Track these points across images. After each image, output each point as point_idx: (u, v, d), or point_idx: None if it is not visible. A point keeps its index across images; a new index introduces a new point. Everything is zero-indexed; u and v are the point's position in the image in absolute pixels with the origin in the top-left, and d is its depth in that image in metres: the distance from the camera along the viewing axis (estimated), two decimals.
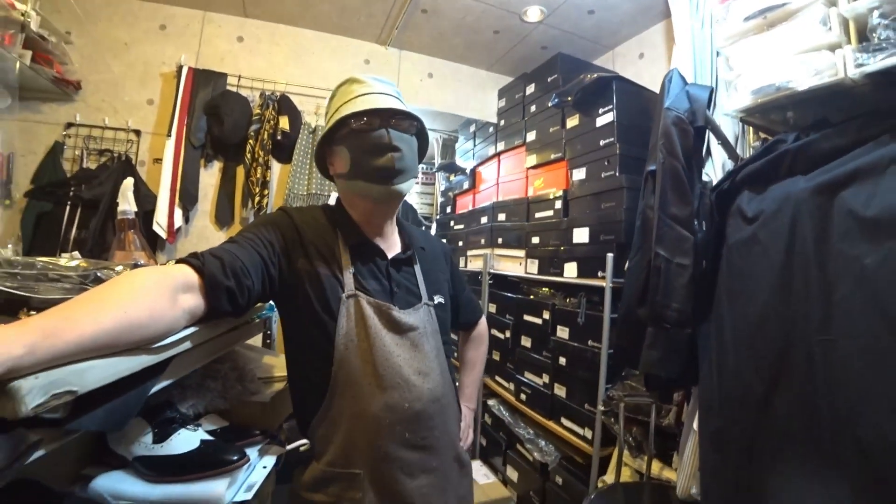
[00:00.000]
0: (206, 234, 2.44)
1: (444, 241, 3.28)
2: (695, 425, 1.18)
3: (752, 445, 0.98)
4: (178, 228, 2.30)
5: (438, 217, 3.78)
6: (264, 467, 0.87)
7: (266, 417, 1.04)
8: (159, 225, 2.22)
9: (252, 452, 0.87)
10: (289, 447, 1.04)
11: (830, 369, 0.86)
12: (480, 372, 1.27)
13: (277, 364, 1.27)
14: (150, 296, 0.60)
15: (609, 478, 1.68)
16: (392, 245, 0.99)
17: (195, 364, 0.84)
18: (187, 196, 2.32)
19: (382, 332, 0.87)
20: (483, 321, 1.27)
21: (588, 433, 1.80)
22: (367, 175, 0.89)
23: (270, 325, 1.40)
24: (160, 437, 0.79)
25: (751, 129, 1.60)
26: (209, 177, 2.49)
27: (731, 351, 1.07)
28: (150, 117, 2.41)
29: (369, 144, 0.88)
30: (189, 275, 0.70)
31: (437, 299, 1.00)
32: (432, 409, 0.89)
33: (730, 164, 1.66)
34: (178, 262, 0.73)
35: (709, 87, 1.33)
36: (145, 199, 2.22)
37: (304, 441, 0.90)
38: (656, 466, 1.54)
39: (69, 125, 2.26)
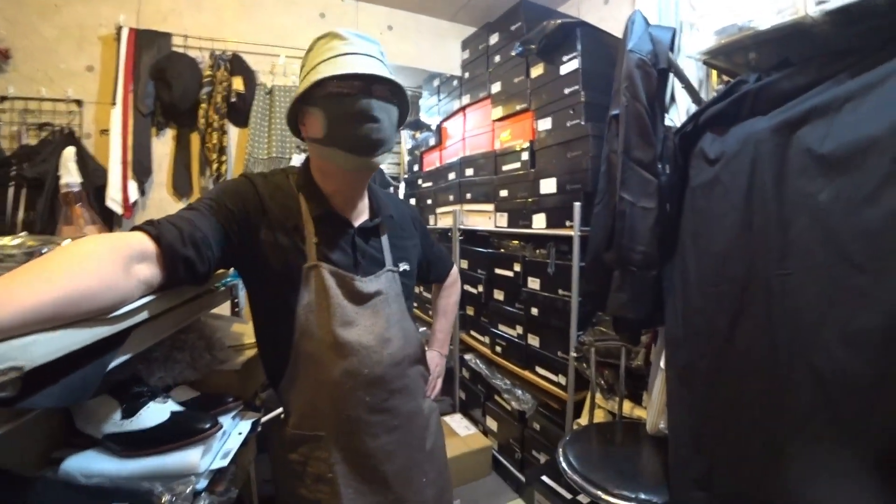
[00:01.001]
0: (164, 207, 2.32)
1: (413, 201, 3.30)
2: (662, 363, 1.22)
3: (716, 378, 1.03)
4: (135, 202, 2.18)
5: (406, 176, 3.71)
6: (239, 433, 0.87)
7: (239, 385, 1.03)
8: (113, 200, 2.10)
9: (226, 420, 0.87)
10: (267, 416, 1.04)
11: (788, 301, 0.90)
12: (452, 319, 1.31)
13: (247, 331, 1.26)
14: (101, 264, 0.58)
15: (584, 420, 1.75)
16: (360, 213, 0.96)
17: (158, 335, 0.81)
18: (140, 168, 2.19)
19: (343, 302, 0.87)
20: (455, 270, 1.31)
21: (562, 379, 1.87)
22: (343, 144, 0.83)
23: (237, 292, 1.37)
24: (129, 413, 0.78)
25: (714, 72, 1.60)
26: (162, 146, 2.34)
27: (695, 289, 1.10)
28: (91, 85, 2.22)
29: (348, 112, 0.81)
30: (144, 243, 0.67)
31: (402, 266, 1.00)
32: (392, 373, 0.91)
33: (694, 108, 1.67)
34: (133, 229, 0.70)
35: (671, 29, 1.31)
36: (95, 173, 2.08)
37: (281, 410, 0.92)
38: (627, 406, 1.61)
39: (2, 99, 2.08)
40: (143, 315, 0.68)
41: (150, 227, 0.69)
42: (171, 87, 2.19)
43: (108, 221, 2.14)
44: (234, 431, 0.87)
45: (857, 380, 0.78)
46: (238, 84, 2.30)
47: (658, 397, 1.27)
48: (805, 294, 0.87)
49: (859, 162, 0.83)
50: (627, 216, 1.18)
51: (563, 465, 1.25)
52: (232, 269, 1.08)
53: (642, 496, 1.10)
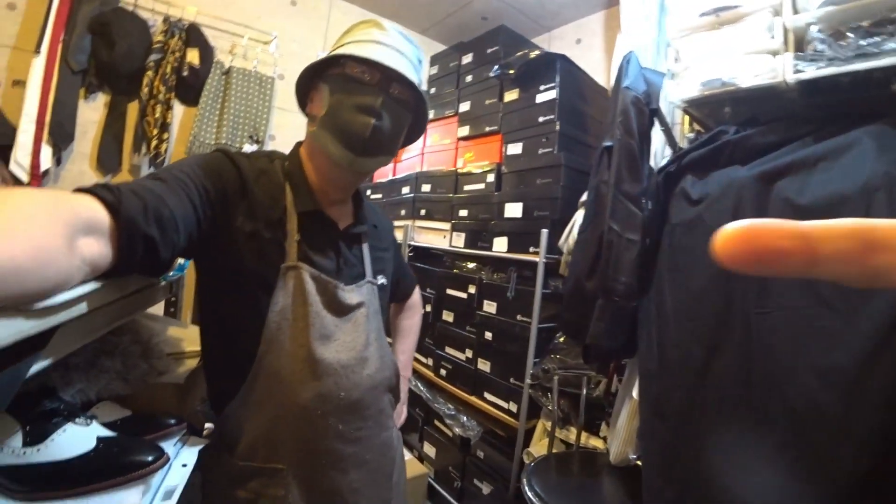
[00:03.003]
0: (84, 181, 1.95)
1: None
2: (634, 393, 1.22)
3: (691, 409, 1.05)
4: (46, 171, 1.84)
5: None
6: (184, 465, 0.71)
7: (179, 402, 0.86)
8: (19, 165, 1.75)
9: (167, 447, 0.70)
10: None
11: (765, 338, 0.94)
12: (415, 340, 1.22)
13: (186, 337, 1.08)
14: (37, 230, 0.39)
15: (534, 449, 1.71)
16: (344, 216, 0.87)
17: (88, 336, 0.63)
18: (60, 132, 1.85)
19: (323, 312, 0.75)
20: (418, 291, 1.24)
21: (513, 407, 1.82)
22: (336, 132, 0.75)
23: (178, 289, 1.17)
24: (35, 438, 0.58)
25: (686, 119, 1.68)
26: (91, 111, 2.01)
27: (671, 321, 1.12)
28: (9, 26, 1.87)
29: (354, 98, 0.74)
30: (96, 210, 0.49)
31: (381, 280, 0.91)
32: (369, 397, 0.80)
33: (661, 150, 1.74)
34: (78, 190, 0.51)
35: (662, 74, 1.36)
36: None
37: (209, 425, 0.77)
38: (583, 436, 1.59)
39: None
40: (81, 308, 0.52)
41: (104, 192, 0.51)
42: (114, 46, 1.90)
43: None
44: (176, 462, 0.71)
45: (829, 413, 0.83)
46: (193, 57, 2.05)
47: (624, 427, 1.27)
48: (781, 331, 0.92)
49: (833, 215, 0.89)
50: (614, 246, 1.17)
51: (529, 494, 1.21)
52: (178, 261, 0.92)
53: None
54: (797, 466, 0.86)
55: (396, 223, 2.67)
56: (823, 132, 1.02)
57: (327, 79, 0.77)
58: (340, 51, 0.76)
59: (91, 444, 0.61)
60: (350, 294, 0.79)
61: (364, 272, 0.86)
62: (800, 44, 1.19)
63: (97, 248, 0.49)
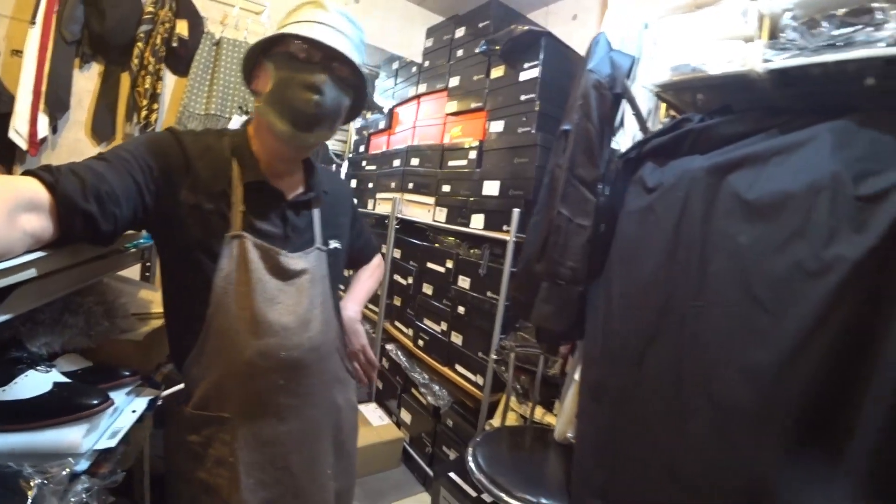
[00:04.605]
0: (79, 149, 2.08)
1: (354, 183, 3.20)
2: (576, 376, 1.27)
3: (624, 398, 1.08)
4: (44, 139, 1.92)
5: (351, 156, 3.60)
6: (133, 411, 0.79)
7: (140, 357, 0.94)
8: (17, 133, 1.83)
9: (119, 395, 0.79)
10: (166, 392, 0.97)
11: (698, 332, 0.96)
12: (371, 285, 1.20)
13: (156, 299, 1.16)
14: None
15: (496, 421, 1.80)
16: (293, 185, 0.92)
17: (47, 297, 0.72)
18: (56, 101, 1.92)
19: (266, 278, 0.82)
20: (378, 257, 1.25)
21: (480, 380, 1.90)
22: (281, 108, 0.80)
23: (151, 255, 1.24)
24: (1, 381, 0.68)
25: (664, 105, 1.68)
26: (86, 81, 2.09)
27: (616, 310, 1.14)
28: None
29: (298, 77, 0.79)
30: (36, 190, 0.58)
31: (333, 244, 0.96)
32: (310, 358, 0.87)
33: (640, 136, 1.74)
34: (25, 173, 0.60)
35: (631, 57, 1.36)
36: None
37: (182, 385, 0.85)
38: (539, 412, 1.67)
39: None
40: (29, 273, 0.61)
41: (44, 174, 0.60)
42: (105, 17, 1.95)
43: (9, 158, 1.89)
44: (127, 409, 0.79)
45: (745, 409, 0.85)
46: (182, 28, 2.09)
47: (569, 407, 1.32)
48: (713, 327, 0.94)
49: (776, 213, 0.90)
50: (562, 231, 1.20)
51: (471, 464, 1.27)
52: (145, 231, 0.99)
53: (543, 501, 1.14)
54: (717, 459, 0.89)
55: (386, 195, 2.71)
56: (792, 125, 0.99)
57: (272, 57, 0.82)
58: (285, 30, 0.80)
59: (47, 387, 0.71)
60: (294, 260, 0.86)
61: (314, 238, 0.92)
62: (777, 31, 1.17)
63: (38, 223, 0.58)
